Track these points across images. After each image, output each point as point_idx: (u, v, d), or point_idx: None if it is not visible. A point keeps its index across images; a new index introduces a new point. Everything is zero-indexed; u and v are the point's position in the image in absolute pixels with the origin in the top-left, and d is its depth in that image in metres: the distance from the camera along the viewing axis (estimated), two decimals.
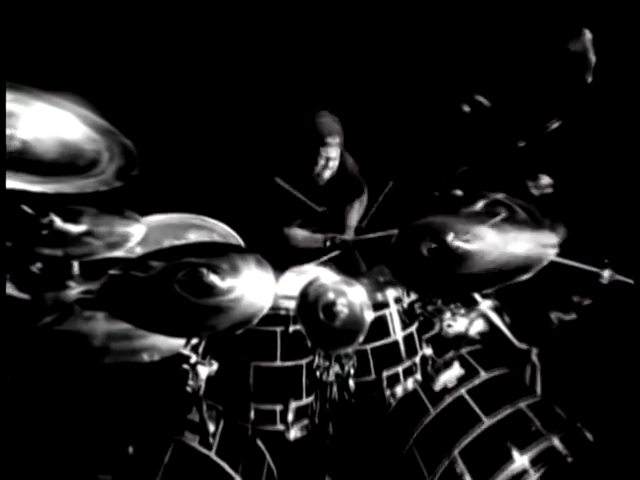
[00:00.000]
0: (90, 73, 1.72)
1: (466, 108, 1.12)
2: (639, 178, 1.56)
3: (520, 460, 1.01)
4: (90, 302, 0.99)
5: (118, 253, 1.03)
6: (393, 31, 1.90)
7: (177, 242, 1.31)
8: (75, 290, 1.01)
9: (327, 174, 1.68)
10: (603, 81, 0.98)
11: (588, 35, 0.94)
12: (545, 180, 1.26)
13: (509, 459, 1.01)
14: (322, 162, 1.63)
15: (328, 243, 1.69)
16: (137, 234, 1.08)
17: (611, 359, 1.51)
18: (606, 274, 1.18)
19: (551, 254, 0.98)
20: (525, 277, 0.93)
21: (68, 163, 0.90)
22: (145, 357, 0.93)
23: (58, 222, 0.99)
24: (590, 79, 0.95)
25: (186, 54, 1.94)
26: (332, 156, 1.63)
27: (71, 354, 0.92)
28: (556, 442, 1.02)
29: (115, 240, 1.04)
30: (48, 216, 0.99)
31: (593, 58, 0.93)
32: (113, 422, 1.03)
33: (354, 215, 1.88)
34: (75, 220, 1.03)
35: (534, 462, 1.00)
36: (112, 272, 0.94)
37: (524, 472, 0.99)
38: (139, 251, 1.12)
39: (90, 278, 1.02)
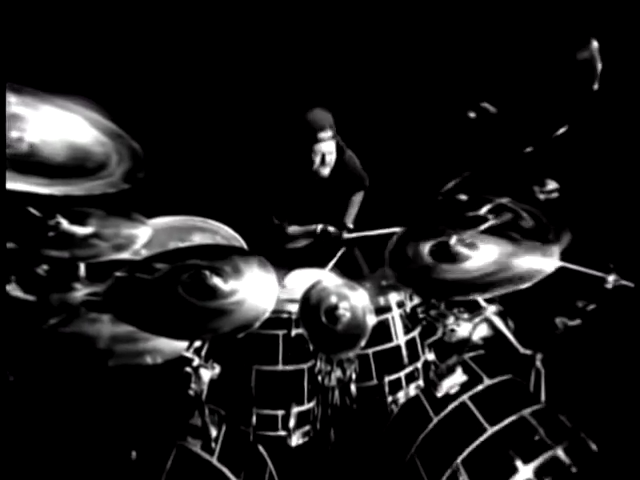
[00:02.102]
0: (100, 77, 1.74)
1: (472, 114, 1.11)
2: None
3: (524, 471, 0.99)
4: (96, 304, 0.99)
5: (124, 255, 1.03)
6: (400, 36, 1.90)
7: (181, 244, 1.31)
8: (81, 292, 1.01)
9: (326, 170, 1.64)
10: (609, 88, 0.99)
11: (595, 44, 0.95)
12: (552, 185, 1.25)
13: (513, 470, 1.00)
14: (318, 159, 1.60)
15: (319, 229, 1.66)
16: (143, 236, 1.08)
17: (616, 365, 1.49)
18: (611, 279, 1.17)
19: (550, 268, 0.97)
20: (521, 287, 0.93)
21: (77, 166, 0.91)
22: (148, 360, 0.94)
23: (65, 224, 1.00)
24: (596, 86, 0.96)
25: (194, 60, 1.96)
26: (327, 151, 1.59)
27: (76, 356, 0.92)
28: (560, 452, 1.01)
29: (121, 242, 1.04)
30: (55, 218, 0.99)
31: (599, 66, 0.94)
32: (116, 426, 1.04)
33: (352, 209, 1.86)
34: (82, 222, 1.03)
35: (538, 473, 0.98)
36: (118, 274, 0.94)
37: None
38: (144, 253, 1.12)
39: (96, 280, 1.03)
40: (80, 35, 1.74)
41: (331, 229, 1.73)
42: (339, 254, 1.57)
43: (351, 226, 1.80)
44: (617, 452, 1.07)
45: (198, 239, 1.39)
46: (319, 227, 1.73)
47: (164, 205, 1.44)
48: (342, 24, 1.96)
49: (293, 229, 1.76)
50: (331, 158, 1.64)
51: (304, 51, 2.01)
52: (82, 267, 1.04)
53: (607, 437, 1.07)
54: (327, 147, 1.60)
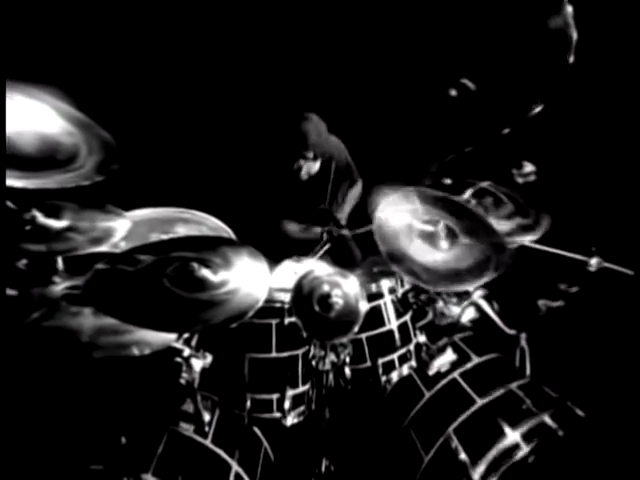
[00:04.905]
0: (67, 64, 1.66)
1: (453, 92, 1.12)
2: (625, 165, 1.56)
3: (512, 435, 1.04)
4: (77, 297, 0.97)
5: (103, 248, 1.02)
6: (378, 17, 1.86)
7: (165, 237, 1.29)
8: (61, 286, 1.00)
9: (304, 176, 1.69)
10: (586, 61, 0.91)
11: (569, 9, 0.86)
12: (529, 168, 1.29)
13: (501, 435, 1.04)
14: (296, 167, 1.65)
15: (325, 236, 1.69)
16: (121, 229, 1.07)
17: (597, 343, 1.55)
18: (593, 262, 1.21)
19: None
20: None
21: (47, 157, 0.88)
22: (135, 351, 0.93)
23: (40, 217, 0.98)
24: (572, 59, 0.88)
25: (167, 44, 1.87)
26: (305, 170, 1.66)
27: (60, 349, 0.90)
28: (546, 418, 1.05)
29: (98, 235, 1.03)
30: (30, 211, 0.97)
31: (574, 35, 0.86)
32: (105, 413, 1.02)
33: (346, 206, 1.88)
34: (57, 215, 1.01)
35: (526, 437, 1.02)
36: (98, 266, 0.93)
37: (516, 446, 1.02)
38: (124, 246, 1.10)
39: (75, 273, 1.01)
40: (47, 21, 1.66)
41: (335, 230, 1.68)
42: (325, 247, 1.58)
43: (343, 222, 1.80)
44: (603, 417, 1.11)
45: (182, 231, 1.36)
46: (322, 230, 1.68)
47: (144, 197, 1.40)
48: (321, 5, 1.90)
49: (292, 228, 1.75)
50: (310, 172, 1.68)
51: (282, 30, 1.93)
52: (60, 261, 1.02)
53: (590, 408, 1.11)
54: (307, 167, 1.65)
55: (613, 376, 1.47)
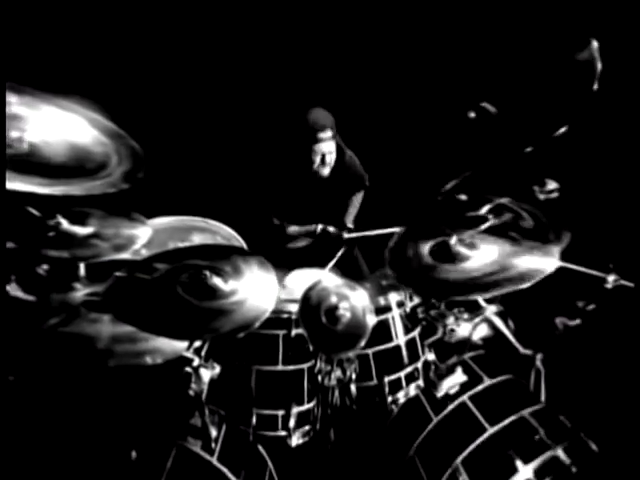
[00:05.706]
0: (99, 77, 1.75)
1: (472, 114, 1.12)
2: None
3: (524, 471, 0.99)
4: (96, 304, 0.99)
5: (124, 255, 1.03)
6: (400, 36, 1.91)
7: (181, 244, 1.31)
8: (81, 292, 1.01)
9: (326, 170, 1.64)
10: (610, 88, 0.99)
11: (595, 44, 0.96)
12: (552, 185, 1.26)
13: (513, 470, 1.00)
14: (318, 159, 1.60)
15: (319, 229, 1.67)
16: (143, 236, 1.09)
17: (616, 365, 1.49)
18: (611, 279, 1.17)
19: (550, 267, 0.98)
20: (522, 287, 0.93)
21: (76, 166, 0.91)
22: (148, 360, 0.93)
23: (65, 224, 1.00)
24: (596, 87, 0.97)
25: (193, 60, 1.97)
26: (327, 151, 1.59)
27: (76, 356, 0.92)
28: (560, 452, 1.01)
29: (121, 242, 1.04)
30: (55, 218, 0.99)
31: (599, 66, 0.95)
32: (116, 426, 1.04)
33: (352, 209, 1.87)
34: (82, 222, 1.04)
35: (538, 473, 0.98)
36: (118, 274, 0.94)
37: None
38: (145, 253, 1.13)
39: (96, 280, 1.03)
40: (80, 35, 1.75)
41: (331, 229, 1.74)
42: (339, 254, 1.56)
43: (351, 226, 1.80)
44: (617, 452, 1.07)
45: (198, 239, 1.39)
46: (319, 227, 1.74)
47: (164, 205, 1.44)
48: (342, 24, 1.97)
49: (293, 229, 1.77)
50: (331, 158, 1.64)
51: (305, 52, 2.02)
52: (82, 267, 1.04)
53: (607, 437, 1.07)
54: (327, 147, 1.60)
55: (631, 400, 1.39)
